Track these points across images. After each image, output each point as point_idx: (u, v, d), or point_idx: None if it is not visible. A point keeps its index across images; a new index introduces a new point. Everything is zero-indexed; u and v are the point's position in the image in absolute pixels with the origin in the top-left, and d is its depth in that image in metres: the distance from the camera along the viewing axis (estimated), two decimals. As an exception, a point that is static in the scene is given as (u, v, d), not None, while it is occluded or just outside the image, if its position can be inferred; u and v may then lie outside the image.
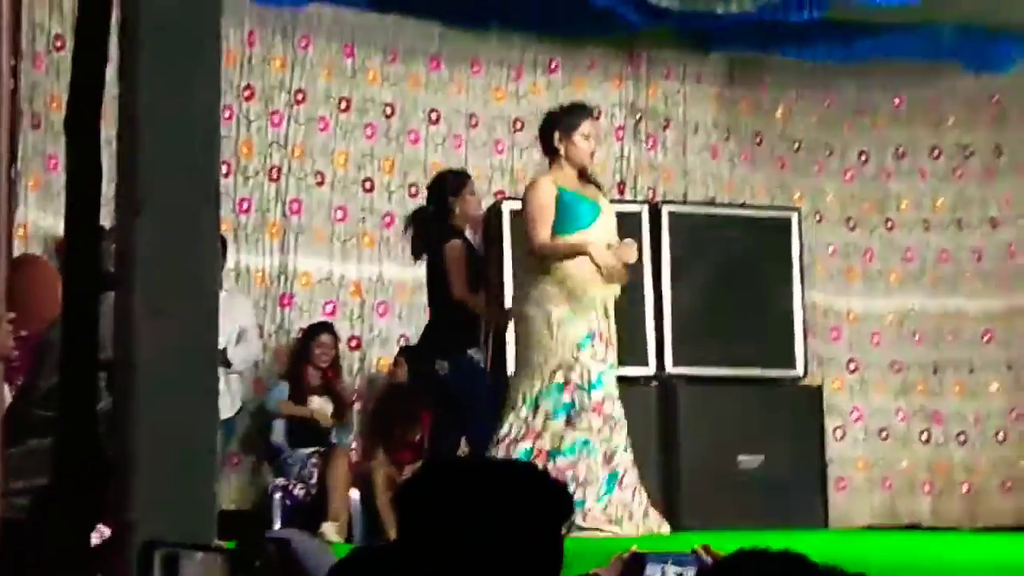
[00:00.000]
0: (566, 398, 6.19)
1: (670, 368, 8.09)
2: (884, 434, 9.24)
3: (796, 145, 9.31)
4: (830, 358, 9.13)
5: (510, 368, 6.92)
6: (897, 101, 9.49)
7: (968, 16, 8.79)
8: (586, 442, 6.17)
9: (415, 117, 8.59)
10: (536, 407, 6.21)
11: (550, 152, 6.54)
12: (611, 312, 6.37)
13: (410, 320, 8.36)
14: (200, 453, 2.53)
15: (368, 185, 8.44)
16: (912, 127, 9.52)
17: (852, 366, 9.24)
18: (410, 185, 8.50)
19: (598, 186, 6.67)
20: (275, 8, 8.26)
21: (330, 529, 7.11)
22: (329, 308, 8.25)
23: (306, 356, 7.81)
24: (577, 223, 6.39)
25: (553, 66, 8.88)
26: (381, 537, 7.06)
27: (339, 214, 8.35)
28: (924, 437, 9.28)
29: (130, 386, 2.48)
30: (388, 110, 8.53)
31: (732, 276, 8.25)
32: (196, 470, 2.51)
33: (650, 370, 8.07)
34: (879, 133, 9.47)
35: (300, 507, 7.45)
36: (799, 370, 8.34)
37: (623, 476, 6.25)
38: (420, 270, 8.40)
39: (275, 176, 8.24)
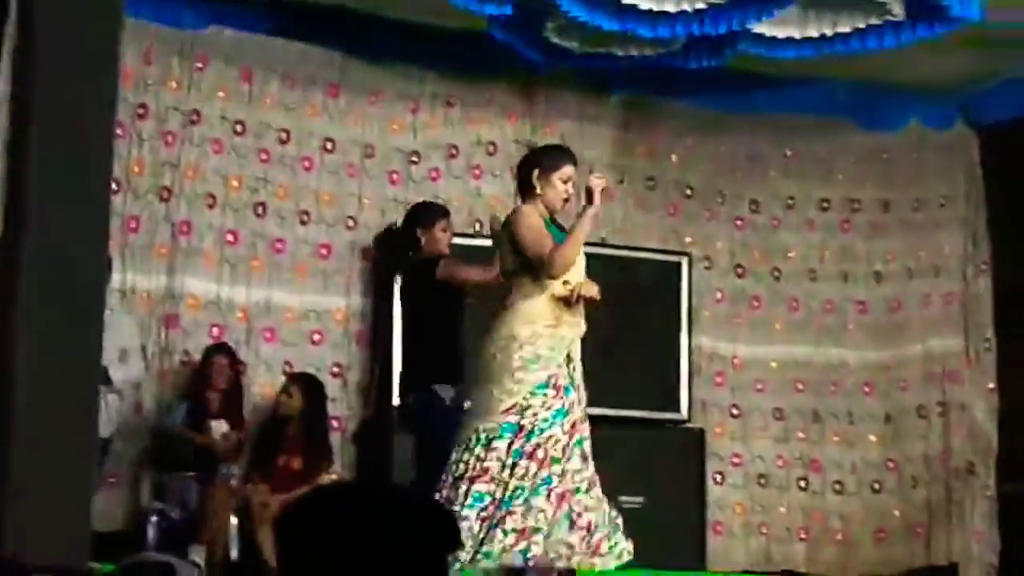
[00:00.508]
0: (517, 443, 6.04)
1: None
2: (763, 480, 9.31)
3: (689, 191, 9.39)
4: (714, 403, 9.20)
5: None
6: (789, 153, 9.62)
7: (861, 74, 8.95)
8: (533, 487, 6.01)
9: (310, 144, 8.55)
10: (489, 446, 6.06)
11: (525, 190, 6.29)
12: (574, 357, 6.24)
13: (296, 347, 8.31)
14: (77, 472, 2.49)
15: (260, 210, 8.38)
16: (803, 179, 9.65)
17: (735, 411, 9.31)
18: (302, 212, 8.46)
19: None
20: (174, 28, 8.20)
21: (198, 553, 7.02)
22: (215, 331, 8.17)
23: (204, 379, 7.75)
24: None
25: (451, 101, 8.89)
26: (258, 565, 6.99)
27: (230, 237, 8.28)
28: (802, 484, 9.38)
29: (8, 402, 2.44)
30: (284, 136, 8.48)
31: (621, 318, 8.28)
32: (72, 489, 2.47)
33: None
34: (771, 184, 9.59)
35: (176, 531, 7.36)
36: (683, 413, 8.42)
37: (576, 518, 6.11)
38: (308, 297, 8.39)
39: (166, 197, 8.16)
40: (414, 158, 8.76)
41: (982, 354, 9.64)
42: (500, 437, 6.02)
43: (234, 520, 7.36)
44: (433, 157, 8.80)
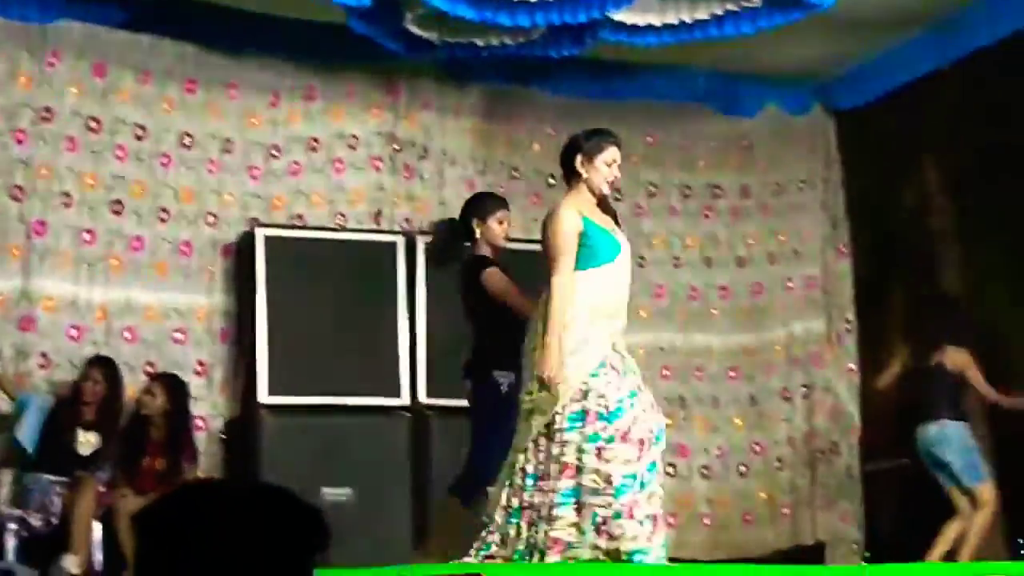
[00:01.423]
0: (589, 430, 5.89)
1: (423, 399, 8.08)
2: (631, 467, 9.34)
3: (552, 180, 9.38)
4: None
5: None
6: (651, 140, 9.66)
7: (719, 61, 9.03)
8: (631, 476, 5.86)
9: (167, 140, 8.39)
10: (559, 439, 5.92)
11: (570, 176, 6.21)
12: (620, 349, 6.08)
13: (158, 346, 8.16)
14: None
15: (117, 208, 8.20)
16: (664, 167, 9.71)
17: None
18: (160, 209, 8.30)
19: (615, 217, 6.33)
20: (21, 23, 7.99)
21: (71, 562, 6.87)
22: (74, 332, 7.98)
23: (78, 389, 7.58)
24: (600, 257, 6.08)
25: (311, 94, 8.79)
26: (123, 571, 6.86)
27: (86, 236, 8.09)
28: (670, 470, 9.42)
29: None
30: (140, 131, 8.31)
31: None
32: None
33: (403, 401, 8.04)
34: (632, 171, 9.58)
35: (36, 539, 7.19)
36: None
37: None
38: (169, 295, 8.24)
39: (19, 196, 7.96)
40: (275, 152, 8.64)
41: (843, 336, 9.80)
42: (570, 429, 5.88)
43: (98, 525, 7.21)
44: (294, 151, 8.69)
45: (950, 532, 8.24)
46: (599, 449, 5.81)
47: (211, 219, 8.43)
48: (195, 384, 8.15)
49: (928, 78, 8.95)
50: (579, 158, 6.15)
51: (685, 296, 9.64)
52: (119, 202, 8.20)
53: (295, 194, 8.64)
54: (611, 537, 5.77)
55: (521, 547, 5.90)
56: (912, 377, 8.51)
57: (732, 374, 9.60)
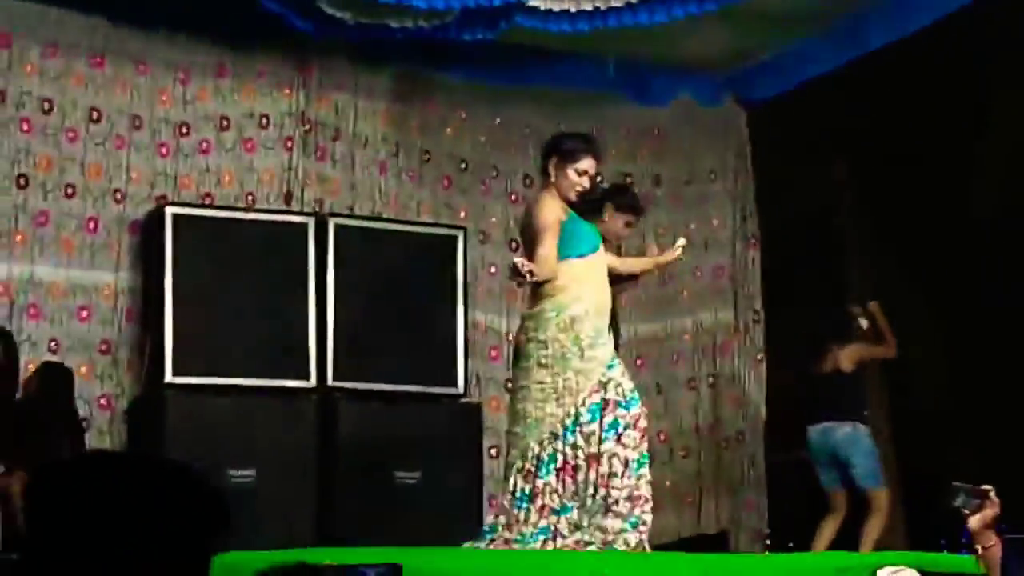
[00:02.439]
0: (609, 417, 6.17)
1: (331, 382, 8.04)
2: (537, 454, 9.35)
3: (463, 165, 9.37)
4: (489, 377, 9.21)
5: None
6: (563, 127, 9.62)
7: (634, 50, 9.05)
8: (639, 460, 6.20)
9: (75, 115, 8.25)
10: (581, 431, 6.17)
11: (543, 174, 6.41)
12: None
13: (62, 323, 8.04)
14: None
15: (23, 181, 8.06)
16: (576, 154, 9.69)
17: (509, 386, 9.32)
18: (66, 185, 8.17)
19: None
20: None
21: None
22: (-25, 309, 7.85)
23: None
24: (576, 249, 6.28)
25: (222, 72, 8.69)
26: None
27: (-10, 210, 7.96)
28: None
29: None
30: (46, 106, 8.17)
31: (397, 292, 8.25)
32: None
33: (311, 383, 7.99)
34: (544, 158, 9.61)
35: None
36: (459, 388, 8.40)
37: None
38: (74, 272, 8.12)
39: (-79, 169, 7.81)
40: (184, 130, 8.53)
41: (751, 326, 9.87)
42: (592, 419, 6.13)
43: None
44: (204, 129, 8.58)
45: (827, 531, 8.35)
46: (619, 435, 6.11)
47: (118, 196, 8.30)
48: (100, 362, 8.05)
49: (838, 73, 9.02)
50: (553, 159, 6.31)
51: (595, 284, 9.64)
52: (24, 176, 8.06)
53: (204, 173, 8.54)
54: (617, 515, 6.08)
55: (528, 530, 6.05)
56: (813, 375, 8.62)
57: (639, 362, 9.61)
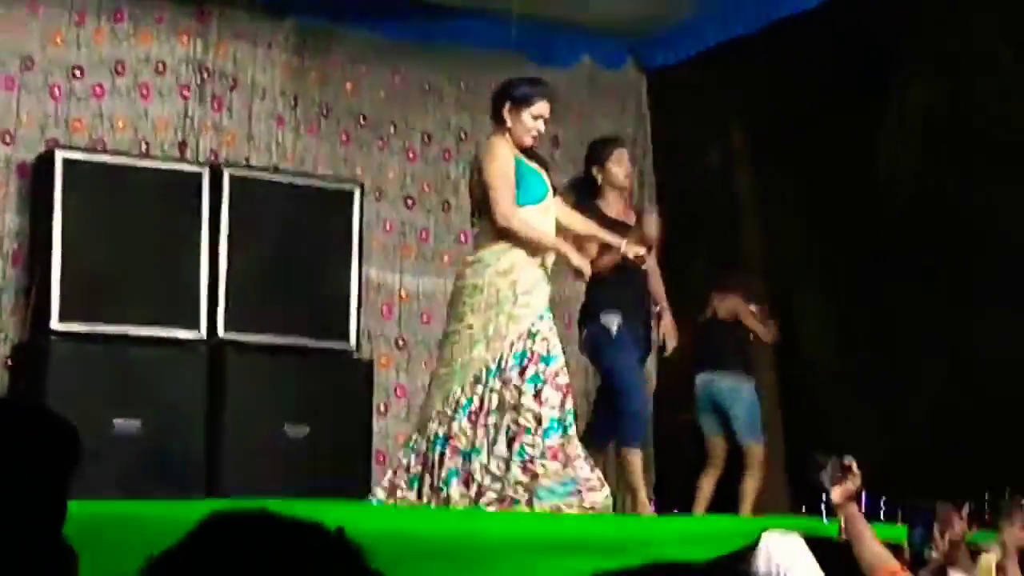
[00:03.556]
0: (530, 370, 6.15)
1: (222, 333, 7.96)
2: (426, 412, 9.35)
3: (362, 120, 9.30)
4: (380, 334, 9.18)
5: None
6: (463, 86, 9.63)
7: (537, 11, 9.02)
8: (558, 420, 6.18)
9: (-36, 54, 8.08)
10: (503, 376, 6.17)
11: (496, 120, 6.40)
12: None
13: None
14: None
15: (-93, 122, 7.88)
16: (475, 112, 9.66)
17: (401, 343, 9.32)
18: (-44, 130, 8.00)
19: (545, 166, 6.64)
20: None
21: None
22: None
23: None
24: (531, 194, 6.36)
25: (119, 16, 8.52)
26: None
27: None
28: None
29: None
30: (-65, 44, 7.99)
31: (291, 245, 8.18)
32: None
33: (201, 334, 7.90)
34: (443, 115, 9.59)
35: None
36: (351, 344, 8.36)
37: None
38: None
39: None
40: (77, 73, 8.37)
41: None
42: (513, 367, 6.12)
43: None
44: (98, 73, 8.42)
45: (706, 487, 8.45)
46: (537, 390, 6.10)
47: (7, 138, 8.13)
48: (-16, 307, 7.92)
49: (738, 42, 9.08)
50: (507, 106, 6.34)
51: (489, 243, 9.63)
52: (-91, 115, 7.89)
53: (97, 117, 8.39)
54: (533, 475, 6.07)
55: (443, 474, 6.06)
56: (697, 323, 8.71)
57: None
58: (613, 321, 7.19)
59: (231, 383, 7.82)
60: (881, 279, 8.76)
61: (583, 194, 7.41)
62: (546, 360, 6.23)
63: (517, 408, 6.14)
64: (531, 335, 6.25)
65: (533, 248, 6.39)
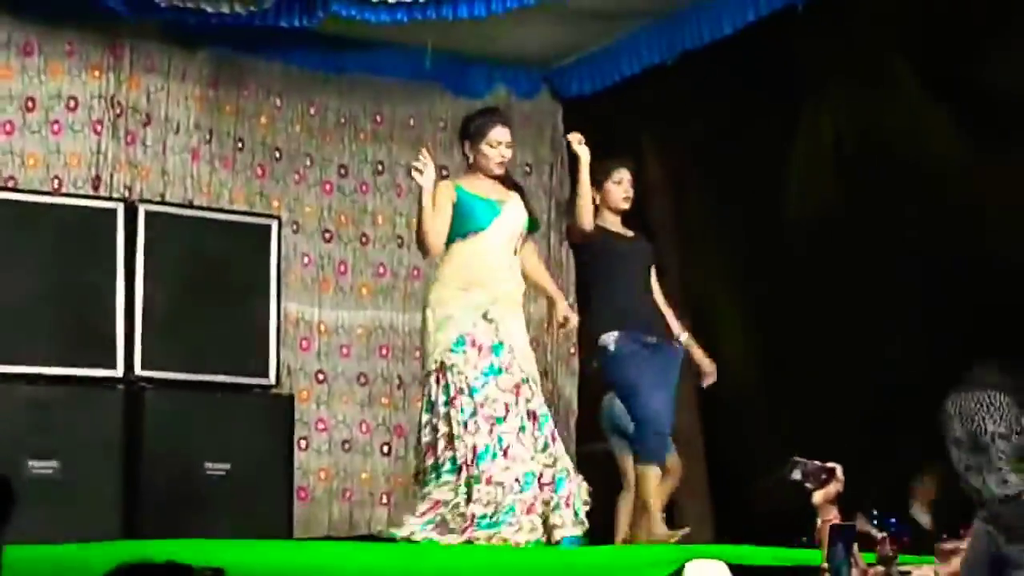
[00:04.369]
0: (458, 402, 6.38)
1: (139, 371, 7.86)
2: (347, 445, 9.32)
3: (277, 153, 9.26)
4: (300, 368, 9.14)
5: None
6: (379, 118, 9.63)
7: (452, 41, 9.04)
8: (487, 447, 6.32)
9: None
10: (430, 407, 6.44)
11: (465, 160, 6.68)
12: (497, 319, 6.54)
13: None
14: None
15: None
16: (392, 145, 9.68)
17: (320, 377, 9.28)
18: None
19: (521, 192, 6.78)
20: None
21: None
22: None
23: None
24: (471, 224, 6.49)
25: (28, 50, 8.43)
26: None
27: None
28: (385, 449, 9.43)
29: None
30: None
31: (208, 281, 8.11)
32: None
33: (117, 372, 7.81)
34: (360, 148, 9.58)
35: None
36: (271, 378, 8.31)
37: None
38: None
39: None
40: (-13, 107, 8.28)
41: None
42: (445, 403, 6.38)
43: None
44: (8, 109, 8.33)
45: (623, 513, 8.41)
46: (466, 423, 6.31)
47: (-83, 176, 8.04)
48: None
49: (653, 71, 9.15)
50: (466, 144, 6.63)
51: (407, 275, 9.63)
52: None
53: (8, 154, 8.29)
54: (474, 503, 6.24)
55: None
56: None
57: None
58: (608, 340, 7.19)
59: (149, 421, 7.72)
60: (799, 305, 8.84)
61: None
62: (468, 393, 6.35)
63: (455, 439, 6.34)
64: (446, 370, 6.38)
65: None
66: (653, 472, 7.16)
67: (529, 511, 6.34)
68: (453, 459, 6.36)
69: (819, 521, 5.02)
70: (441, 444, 6.42)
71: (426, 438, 6.51)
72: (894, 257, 8.52)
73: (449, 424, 6.39)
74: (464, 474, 6.32)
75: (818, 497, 5.00)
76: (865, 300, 8.61)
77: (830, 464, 5.06)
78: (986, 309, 7.81)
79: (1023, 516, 4.59)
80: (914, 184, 8.44)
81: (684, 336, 7.48)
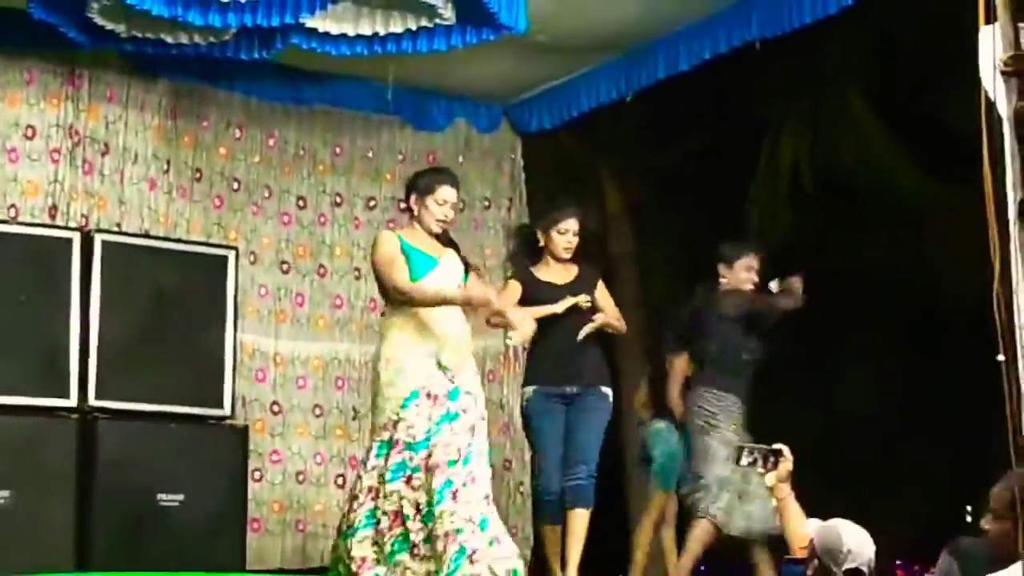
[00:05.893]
0: (395, 458, 6.33)
1: (93, 401, 7.81)
2: (301, 477, 9.28)
3: (236, 184, 9.25)
4: (255, 399, 9.11)
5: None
6: (338, 150, 9.63)
7: (412, 74, 9.07)
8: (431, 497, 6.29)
9: None
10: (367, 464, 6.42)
11: (408, 212, 6.72)
12: (451, 366, 6.53)
13: None
14: None
15: None
16: (350, 177, 9.68)
17: (276, 408, 9.25)
18: None
19: (456, 248, 6.81)
20: None
21: None
22: None
23: None
24: (411, 275, 6.52)
25: (-14, 79, 8.42)
26: None
27: None
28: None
29: None
30: None
31: (164, 311, 8.07)
32: None
33: (71, 402, 7.76)
34: (318, 179, 9.57)
35: None
36: (226, 409, 8.27)
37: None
38: None
39: None
40: (-52, 139, 8.24)
41: (520, 353, 9.93)
42: (378, 455, 6.36)
43: None
44: (-34, 134, 8.31)
45: (667, 541, 8.50)
46: (408, 478, 6.29)
47: None
48: None
49: (612, 105, 9.21)
50: (413, 196, 6.70)
51: (365, 307, 9.62)
52: None
53: (-32, 181, 8.27)
54: (423, 558, 6.23)
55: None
56: None
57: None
58: (527, 393, 7.58)
59: (102, 452, 7.67)
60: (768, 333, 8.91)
61: (522, 260, 7.66)
62: (413, 448, 6.35)
63: (381, 494, 6.36)
64: (395, 424, 6.41)
65: (440, 302, 6.55)
66: (548, 529, 7.53)
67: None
68: (370, 512, 6.36)
69: (773, 501, 5.31)
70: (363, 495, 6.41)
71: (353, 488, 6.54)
72: (853, 282, 8.60)
73: (380, 479, 6.39)
74: (399, 530, 6.30)
75: (771, 479, 5.25)
76: (823, 325, 8.67)
77: (776, 446, 5.31)
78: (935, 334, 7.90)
79: None
80: (872, 213, 8.52)
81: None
